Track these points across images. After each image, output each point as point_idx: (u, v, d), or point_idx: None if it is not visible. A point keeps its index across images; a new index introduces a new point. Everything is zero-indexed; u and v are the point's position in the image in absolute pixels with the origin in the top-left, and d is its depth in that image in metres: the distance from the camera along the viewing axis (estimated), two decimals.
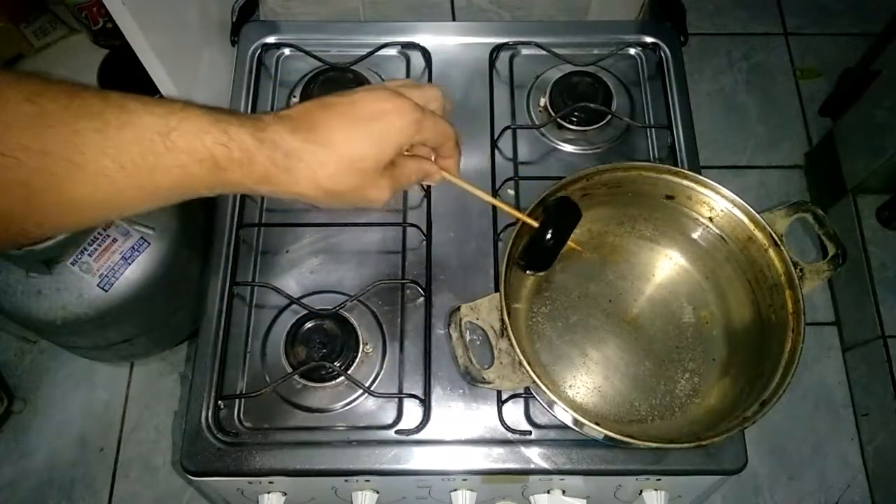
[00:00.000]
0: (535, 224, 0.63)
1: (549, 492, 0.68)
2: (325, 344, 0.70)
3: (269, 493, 0.67)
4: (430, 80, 0.85)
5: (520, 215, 0.63)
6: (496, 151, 0.81)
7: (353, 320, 0.71)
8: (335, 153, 0.46)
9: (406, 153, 0.54)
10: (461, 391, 0.69)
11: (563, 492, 0.68)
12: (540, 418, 0.68)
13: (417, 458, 0.66)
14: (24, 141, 0.36)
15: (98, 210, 0.41)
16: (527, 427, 0.67)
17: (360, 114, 0.48)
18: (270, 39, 0.87)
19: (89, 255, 1.04)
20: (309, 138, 0.46)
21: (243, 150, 0.43)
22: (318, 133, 0.46)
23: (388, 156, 0.49)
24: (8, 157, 0.35)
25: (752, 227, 0.67)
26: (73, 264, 1.03)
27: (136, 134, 0.39)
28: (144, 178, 0.40)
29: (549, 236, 0.62)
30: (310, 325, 0.71)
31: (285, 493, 0.68)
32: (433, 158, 0.56)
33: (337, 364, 0.69)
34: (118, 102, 0.39)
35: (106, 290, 1.05)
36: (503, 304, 0.61)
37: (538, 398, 0.66)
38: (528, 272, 0.67)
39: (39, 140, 0.36)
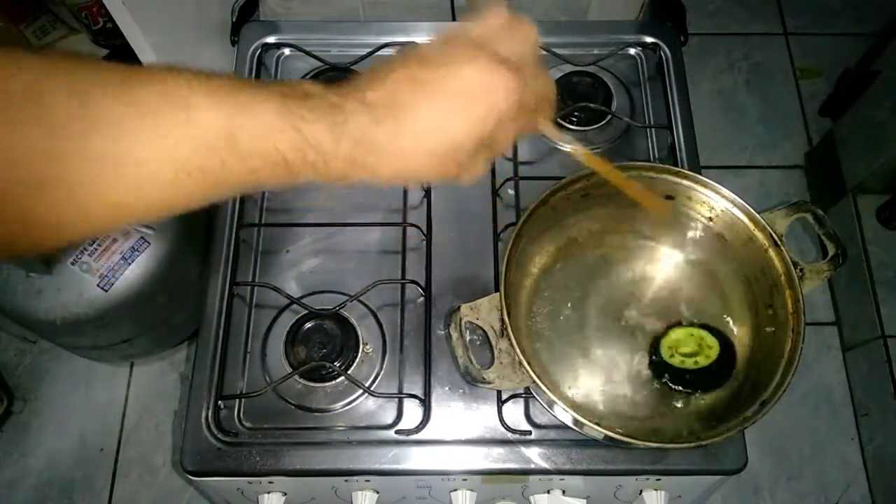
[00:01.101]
0: (661, 204, 0.62)
1: (549, 492, 0.68)
2: (325, 344, 0.70)
3: (269, 493, 0.67)
4: None
5: (645, 196, 0.57)
6: None
7: (353, 320, 0.71)
8: (423, 144, 0.40)
9: None
10: (461, 391, 0.69)
11: (563, 492, 0.68)
12: (540, 418, 0.68)
13: (417, 458, 0.66)
14: (68, 145, 0.32)
15: (148, 212, 0.36)
16: (527, 427, 0.67)
17: (456, 93, 0.40)
18: (270, 39, 0.87)
19: (89, 255, 1.04)
20: (397, 129, 0.39)
21: (320, 153, 0.37)
22: (407, 120, 0.39)
23: (485, 136, 0.41)
24: (48, 159, 0.32)
25: (752, 227, 0.67)
26: (73, 264, 1.03)
27: (198, 138, 0.34)
28: (202, 184, 0.36)
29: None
30: (310, 325, 0.71)
31: (285, 493, 0.68)
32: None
33: (337, 364, 0.69)
34: (178, 95, 0.34)
35: (106, 290, 1.04)
36: (503, 304, 0.61)
37: (538, 398, 0.66)
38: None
39: (83, 144, 0.32)
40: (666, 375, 0.66)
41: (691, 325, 0.69)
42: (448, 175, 0.42)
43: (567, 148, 0.53)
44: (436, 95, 0.40)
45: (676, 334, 0.68)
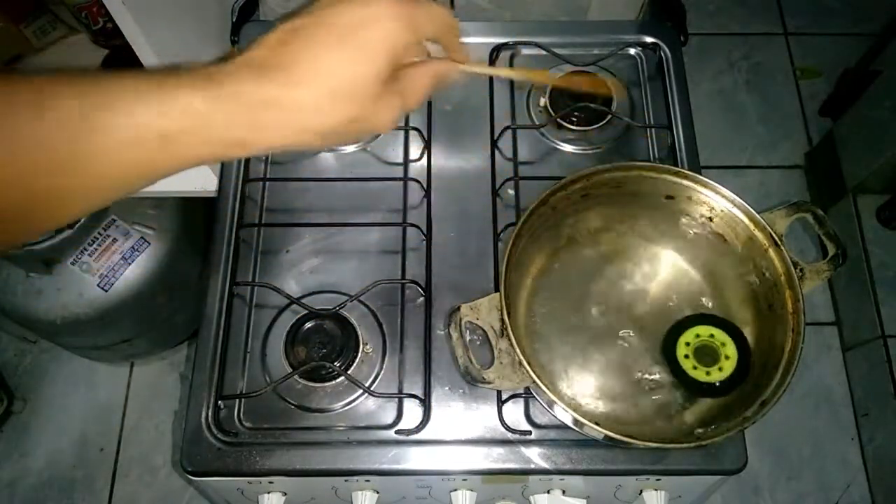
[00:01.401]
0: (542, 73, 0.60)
1: (549, 492, 0.68)
2: (325, 344, 0.70)
3: (269, 493, 0.67)
4: None
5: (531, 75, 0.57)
6: (496, 151, 0.81)
7: (353, 320, 0.71)
8: (319, 88, 0.39)
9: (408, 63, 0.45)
10: (461, 391, 0.69)
11: (563, 492, 0.68)
12: (540, 418, 0.68)
13: (417, 458, 0.66)
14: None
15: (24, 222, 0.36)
16: (527, 427, 0.67)
17: (338, 30, 0.39)
18: None
19: (89, 255, 1.04)
20: (288, 79, 0.38)
21: (194, 117, 0.36)
22: (293, 70, 0.38)
23: (382, 70, 0.40)
24: None
25: (752, 227, 0.67)
26: (73, 264, 1.03)
27: (57, 122, 0.33)
28: (71, 174, 0.35)
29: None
30: (310, 325, 0.71)
31: (285, 493, 0.68)
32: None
33: (337, 364, 0.69)
34: (50, 88, 0.34)
35: (106, 290, 1.05)
36: (503, 304, 0.61)
37: (538, 398, 0.66)
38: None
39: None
40: (685, 384, 0.65)
41: (707, 318, 0.67)
42: (358, 121, 0.41)
43: (500, 73, 0.52)
44: (319, 36, 0.39)
45: (694, 333, 0.65)
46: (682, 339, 0.66)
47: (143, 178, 0.38)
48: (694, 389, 0.65)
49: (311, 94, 0.39)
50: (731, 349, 0.65)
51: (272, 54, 0.39)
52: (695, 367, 0.65)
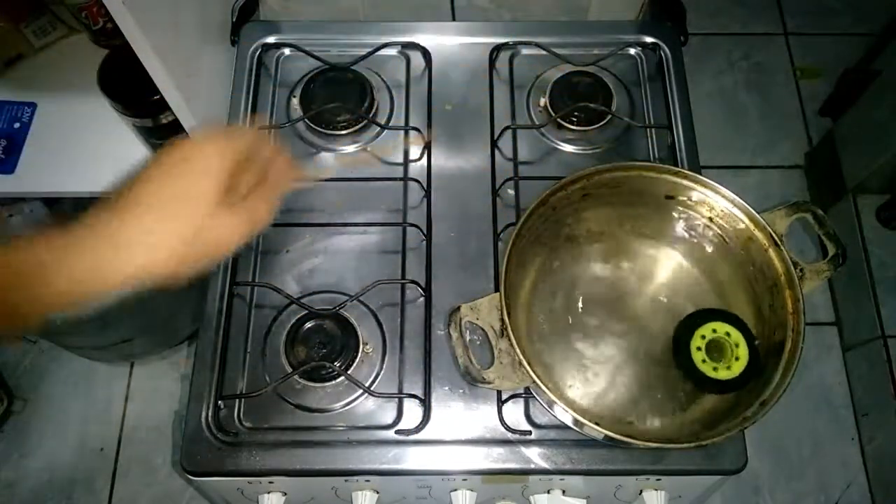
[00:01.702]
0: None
1: (549, 492, 0.68)
2: (325, 344, 0.70)
3: (269, 493, 0.67)
4: (430, 79, 0.85)
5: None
6: (496, 151, 0.81)
7: (353, 320, 0.71)
8: (166, 217, 0.44)
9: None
10: (461, 391, 0.69)
11: (563, 492, 0.68)
12: (540, 418, 0.68)
13: (417, 458, 0.66)
14: None
15: None
16: (527, 427, 0.67)
17: (170, 164, 0.45)
18: (270, 39, 0.87)
19: None
20: (136, 221, 0.44)
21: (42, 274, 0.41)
22: (136, 209, 0.44)
23: (216, 194, 0.46)
24: None
25: (752, 227, 0.67)
26: None
27: None
28: None
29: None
30: (310, 325, 0.71)
31: (285, 493, 0.68)
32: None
33: (337, 364, 0.69)
34: None
35: None
36: (503, 304, 0.61)
37: (538, 398, 0.66)
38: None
39: None
40: (689, 373, 0.65)
41: (722, 314, 0.67)
42: (195, 244, 0.45)
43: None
44: (156, 173, 0.45)
45: (711, 328, 0.66)
46: (699, 332, 0.66)
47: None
48: (702, 383, 0.65)
49: (159, 228, 0.44)
50: (742, 350, 0.65)
51: (119, 206, 0.44)
52: (704, 361, 0.65)
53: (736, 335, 0.65)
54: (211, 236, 0.46)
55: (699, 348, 0.65)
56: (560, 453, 0.66)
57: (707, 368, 0.64)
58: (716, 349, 0.66)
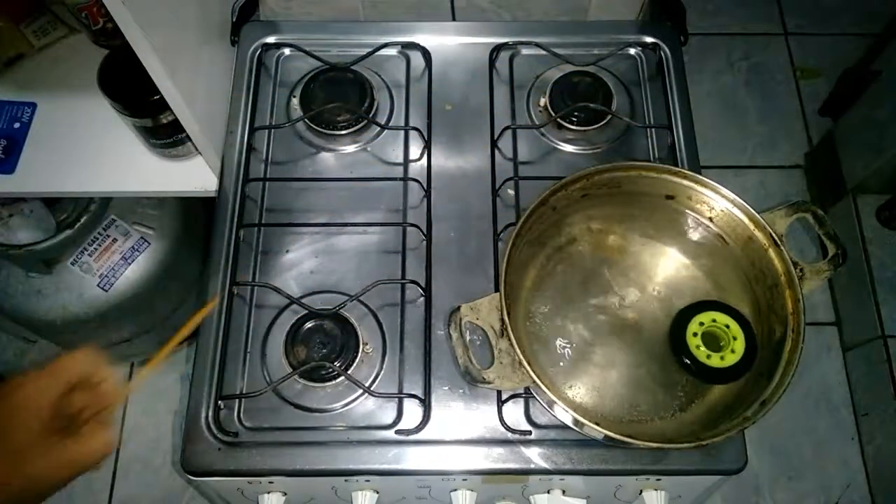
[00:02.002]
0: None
1: (549, 492, 0.68)
2: (325, 344, 0.70)
3: (269, 493, 0.67)
4: (429, 79, 0.85)
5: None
6: (496, 151, 0.81)
7: (353, 320, 0.71)
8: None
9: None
10: (461, 391, 0.69)
11: (563, 492, 0.68)
12: (540, 418, 0.68)
13: (417, 458, 0.66)
14: None
15: None
16: (527, 427, 0.67)
17: None
18: (270, 39, 0.87)
19: (89, 255, 1.04)
20: None
21: None
22: None
23: (45, 422, 0.48)
24: None
25: (752, 227, 0.67)
26: (73, 264, 1.03)
27: None
28: None
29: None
30: (310, 325, 0.71)
31: (285, 493, 0.68)
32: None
33: (337, 364, 0.69)
34: None
35: (106, 290, 1.04)
36: (503, 304, 0.61)
37: (538, 398, 0.66)
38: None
39: None
40: (687, 362, 0.65)
41: (718, 305, 0.67)
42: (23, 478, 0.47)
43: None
44: None
45: (710, 317, 0.66)
46: (698, 318, 0.66)
47: None
48: (691, 368, 0.65)
49: None
50: (739, 344, 0.65)
51: None
52: (698, 347, 0.65)
53: (735, 329, 0.65)
54: (39, 468, 0.47)
55: (696, 333, 0.66)
56: (560, 453, 0.66)
57: (700, 354, 0.65)
58: (713, 339, 0.66)
